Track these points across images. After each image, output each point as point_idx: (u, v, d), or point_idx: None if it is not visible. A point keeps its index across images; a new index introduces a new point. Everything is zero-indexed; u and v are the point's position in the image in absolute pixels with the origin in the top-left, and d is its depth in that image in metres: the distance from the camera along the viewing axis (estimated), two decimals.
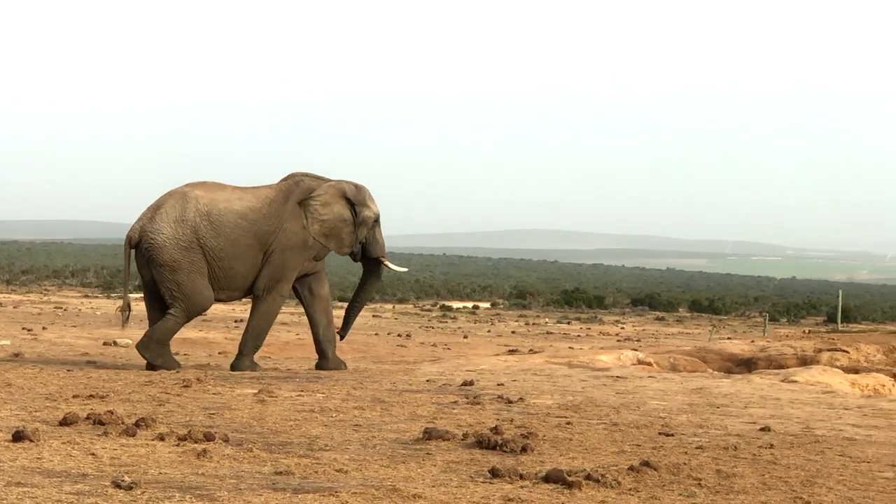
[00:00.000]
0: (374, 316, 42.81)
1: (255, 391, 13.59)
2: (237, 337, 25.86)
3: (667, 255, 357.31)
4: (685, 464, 9.05)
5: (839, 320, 46.95)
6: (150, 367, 17.19)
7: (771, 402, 14.31)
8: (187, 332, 25.21)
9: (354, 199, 18.39)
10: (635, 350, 23.73)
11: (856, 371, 22.24)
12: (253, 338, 18.03)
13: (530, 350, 25.64)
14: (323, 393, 13.85)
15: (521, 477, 8.23)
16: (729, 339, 36.62)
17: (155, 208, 17.78)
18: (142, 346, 17.48)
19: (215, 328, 23.85)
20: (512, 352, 24.83)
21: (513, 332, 37.98)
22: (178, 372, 16.53)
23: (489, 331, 38.40)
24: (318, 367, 18.10)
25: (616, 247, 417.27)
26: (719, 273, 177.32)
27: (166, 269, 17.44)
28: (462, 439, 10.02)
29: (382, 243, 18.86)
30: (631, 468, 8.59)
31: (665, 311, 63.12)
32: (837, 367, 22.91)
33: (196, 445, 9.10)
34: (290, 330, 31.50)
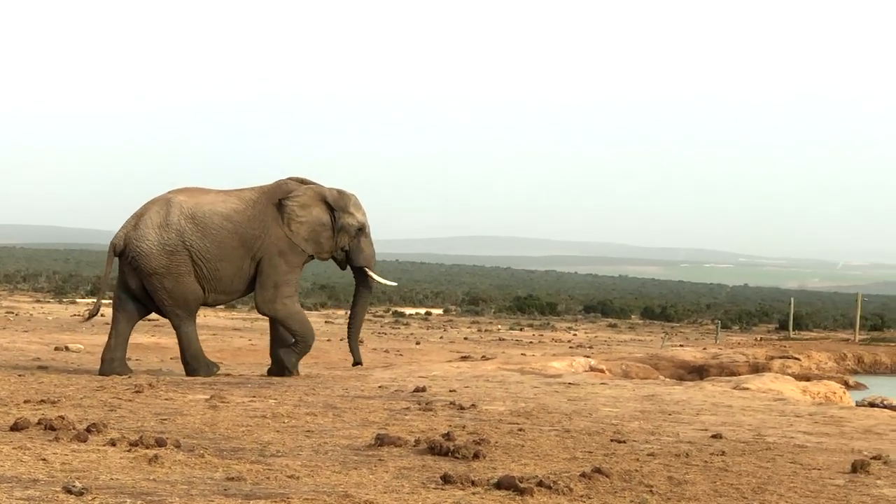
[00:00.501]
0: (326, 322, 42.71)
1: (207, 397, 13.54)
2: None
3: (619, 262, 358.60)
4: (637, 470, 9.08)
5: (791, 328, 47.40)
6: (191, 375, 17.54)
7: (723, 409, 14.38)
8: (140, 337, 25.12)
9: (335, 204, 18.27)
10: (588, 357, 23.85)
11: (807, 378, 22.43)
12: (303, 344, 18.01)
13: (483, 356, 25.67)
14: (275, 399, 13.81)
15: (473, 483, 8.24)
16: (681, 346, 36.83)
17: (139, 216, 17.77)
18: (191, 372, 17.66)
19: (168, 333, 23.67)
20: (464, 358, 24.86)
21: (465, 339, 37.99)
22: (129, 377, 16.48)
23: (442, 337, 38.40)
24: (271, 372, 18.02)
25: (569, 254, 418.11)
26: (672, 280, 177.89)
27: (155, 278, 17.48)
28: (414, 445, 10.01)
29: (369, 254, 18.71)
30: (583, 475, 8.60)
31: (617, 318, 63.34)
32: (789, 374, 23.12)
33: (147, 451, 9.06)
34: (242, 335, 31.44)
